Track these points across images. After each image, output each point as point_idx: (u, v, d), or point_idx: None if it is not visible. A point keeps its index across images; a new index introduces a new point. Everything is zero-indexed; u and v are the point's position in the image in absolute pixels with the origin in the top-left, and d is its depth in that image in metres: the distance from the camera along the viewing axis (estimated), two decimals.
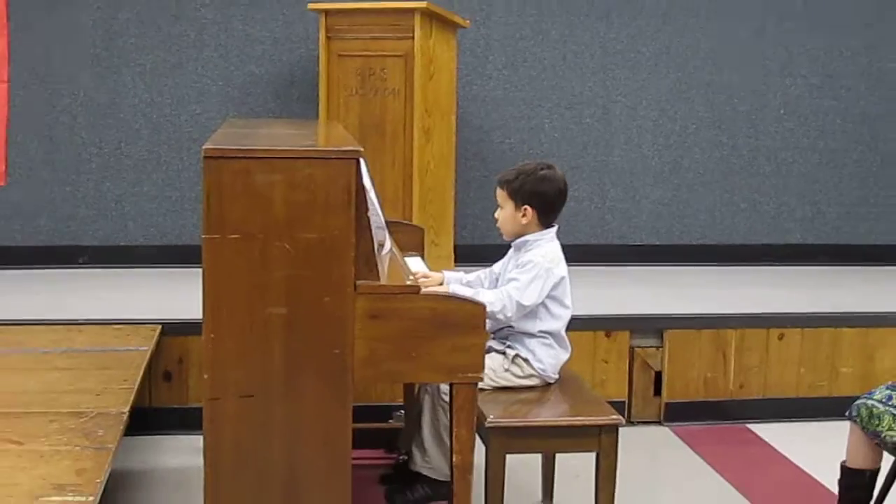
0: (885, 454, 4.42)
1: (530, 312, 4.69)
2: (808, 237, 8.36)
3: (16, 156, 7.55)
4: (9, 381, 4.89)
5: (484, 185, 7.55)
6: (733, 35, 8.14)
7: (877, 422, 4.31)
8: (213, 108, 7.60)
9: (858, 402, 4.41)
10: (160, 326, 5.85)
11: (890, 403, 4.33)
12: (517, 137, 7.95)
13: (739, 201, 8.27)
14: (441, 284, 4.84)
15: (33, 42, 7.49)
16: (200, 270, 3.77)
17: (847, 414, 4.44)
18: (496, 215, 4.85)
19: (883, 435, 4.29)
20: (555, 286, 4.70)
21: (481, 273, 5.04)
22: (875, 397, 4.37)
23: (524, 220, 4.75)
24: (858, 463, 4.44)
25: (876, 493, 4.58)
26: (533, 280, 4.64)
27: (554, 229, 4.81)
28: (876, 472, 4.45)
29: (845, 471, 4.49)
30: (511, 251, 4.88)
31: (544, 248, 4.74)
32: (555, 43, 7.96)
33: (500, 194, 4.80)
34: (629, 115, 8.10)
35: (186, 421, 5.76)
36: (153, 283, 7.15)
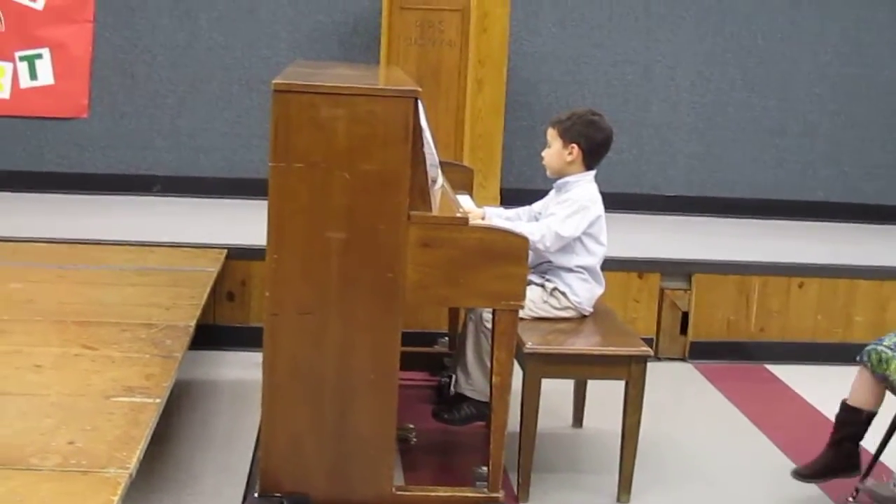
0: (886, 402, 4.42)
1: (568, 247, 4.67)
2: (831, 195, 8.27)
3: (99, 91, 7.61)
4: (88, 294, 4.94)
5: (530, 134, 7.52)
6: (769, 4, 8.04)
7: (885, 366, 4.30)
8: (282, 52, 7.58)
9: (869, 347, 4.40)
10: (226, 250, 5.88)
11: None
12: (563, 91, 7.89)
13: (767, 159, 8.19)
14: (482, 219, 4.82)
15: None
16: (265, 201, 3.78)
17: (858, 358, 4.42)
18: (543, 154, 4.83)
19: (891, 378, 4.29)
20: (591, 223, 4.68)
21: (521, 210, 5.03)
22: (885, 343, 4.36)
23: (569, 158, 4.73)
24: (859, 402, 4.43)
25: (881, 437, 4.57)
26: (572, 214, 4.63)
27: (593, 173, 4.78)
28: (872, 415, 4.43)
29: (844, 407, 4.48)
30: (552, 192, 4.86)
31: (583, 188, 4.72)
32: (602, 4, 7.90)
33: (551, 133, 4.79)
34: (668, 74, 8.04)
35: (246, 338, 5.80)
36: (221, 211, 7.18)
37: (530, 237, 4.32)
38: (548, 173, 4.85)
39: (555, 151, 4.77)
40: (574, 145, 4.72)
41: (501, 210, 5.05)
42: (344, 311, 3.79)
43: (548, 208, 4.81)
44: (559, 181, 4.81)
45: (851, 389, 4.47)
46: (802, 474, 4.55)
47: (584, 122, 4.75)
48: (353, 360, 3.83)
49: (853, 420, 4.45)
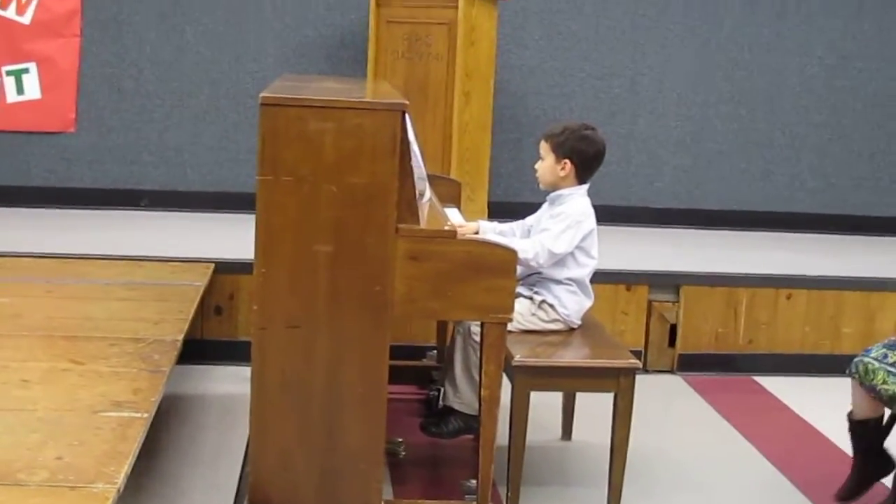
0: None
1: (559, 261, 4.67)
2: (818, 207, 8.28)
3: (86, 105, 7.60)
4: (75, 309, 4.92)
5: (518, 147, 7.56)
6: (755, 16, 8.07)
7: (871, 377, 4.31)
8: (269, 66, 7.58)
9: (856, 359, 4.41)
10: (213, 265, 5.87)
11: (884, 361, 4.33)
12: (550, 104, 7.91)
13: (755, 171, 8.21)
14: (476, 233, 4.82)
15: (104, 1, 7.52)
16: (252, 215, 3.76)
17: (847, 371, 4.43)
18: (536, 166, 4.82)
19: (878, 388, 4.30)
20: (584, 237, 4.68)
21: (514, 224, 5.02)
22: (871, 355, 4.38)
23: (562, 173, 4.72)
24: (863, 414, 4.44)
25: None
26: (565, 230, 4.62)
27: (586, 186, 4.78)
28: (880, 419, 4.45)
29: (852, 422, 4.48)
30: (545, 205, 4.85)
31: (576, 202, 4.71)
32: (588, 17, 7.92)
33: (544, 146, 4.77)
34: (655, 87, 8.05)
35: (234, 353, 5.78)
36: (208, 225, 7.17)
37: (523, 254, 4.34)
38: (540, 186, 4.85)
39: (548, 165, 4.77)
40: (567, 160, 4.71)
41: (495, 224, 5.05)
42: (332, 325, 3.78)
43: (540, 222, 4.81)
44: (552, 194, 4.80)
45: (852, 403, 4.48)
46: (843, 498, 4.53)
47: (576, 137, 4.74)
48: (342, 374, 3.81)
49: (864, 432, 4.48)
